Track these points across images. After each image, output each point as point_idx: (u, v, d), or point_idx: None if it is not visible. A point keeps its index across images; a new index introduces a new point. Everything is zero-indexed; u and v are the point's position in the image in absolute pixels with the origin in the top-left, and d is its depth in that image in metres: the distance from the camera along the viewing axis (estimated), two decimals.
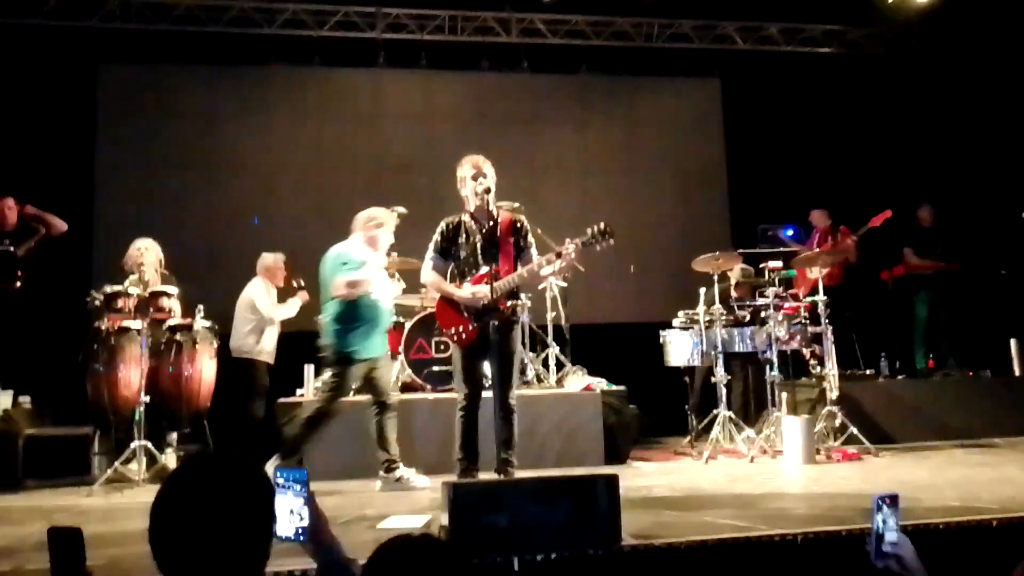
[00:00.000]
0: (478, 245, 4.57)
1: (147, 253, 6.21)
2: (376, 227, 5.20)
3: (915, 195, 8.03)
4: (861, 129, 9.38)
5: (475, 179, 4.58)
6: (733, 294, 7.18)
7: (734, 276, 7.27)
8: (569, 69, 9.61)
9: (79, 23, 8.54)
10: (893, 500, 2.12)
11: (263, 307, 6.71)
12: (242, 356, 6.68)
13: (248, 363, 6.68)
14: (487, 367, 4.61)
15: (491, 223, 4.60)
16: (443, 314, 4.62)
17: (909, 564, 2.08)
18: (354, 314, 5.00)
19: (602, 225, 4.33)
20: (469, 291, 4.47)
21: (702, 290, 6.48)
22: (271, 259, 6.95)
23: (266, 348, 6.75)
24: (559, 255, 4.36)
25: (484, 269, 4.50)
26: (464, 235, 4.61)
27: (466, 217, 4.65)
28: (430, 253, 4.66)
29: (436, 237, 4.66)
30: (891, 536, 2.09)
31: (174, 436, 5.89)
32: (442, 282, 4.63)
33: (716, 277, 6.53)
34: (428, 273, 4.67)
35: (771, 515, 3.85)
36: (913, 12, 8.75)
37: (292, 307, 6.80)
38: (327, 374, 5.11)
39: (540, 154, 9.43)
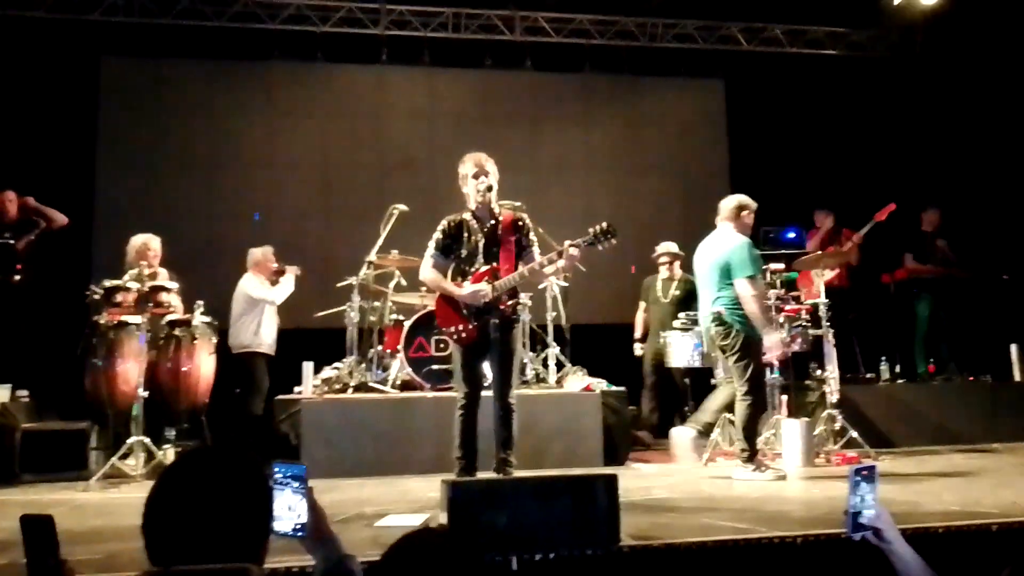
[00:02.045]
0: (479, 244, 4.52)
1: (149, 249, 6.19)
2: (750, 214, 5.55)
3: (918, 198, 8.01)
4: (865, 132, 9.36)
5: (476, 177, 4.52)
6: (663, 271, 7.61)
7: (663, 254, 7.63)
8: (573, 68, 9.59)
9: (81, 16, 8.51)
10: (870, 472, 2.06)
11: (258, 293, 6.71)
12: (242, 351, 6.66)
13: (248, 357, 6.67)
14: (486, 366, 4.58)
15: (493, 221, 4.56)
16: (442, 312, 4.59)
17: (887, 535, 2.03)
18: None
19: (604, 225, 4.29)
20: (470, 289, 4.43)
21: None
22: (259, 253, 6.95)
23: (266, 340, 6.74)
24: (560, 255, 4.33)
25: (485, 268, 4.48)
26: (466, 233, 4.56)
27: (467, 215, 4.60)
28: (431, 251, 4.60)
29: (437, 235, 4.60)
30: (869, 509, 2.04)
31: (172, 432, 5.88)
32: (442, 280, 4.58)
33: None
34: (428, 271, 4.61)
35: (770, 517, 3.83)
36: (918, 14, 8.71)
37: (287, 284, 6.80)
38: (742, 362, 5.24)
39: (543, 153, 9.41)
